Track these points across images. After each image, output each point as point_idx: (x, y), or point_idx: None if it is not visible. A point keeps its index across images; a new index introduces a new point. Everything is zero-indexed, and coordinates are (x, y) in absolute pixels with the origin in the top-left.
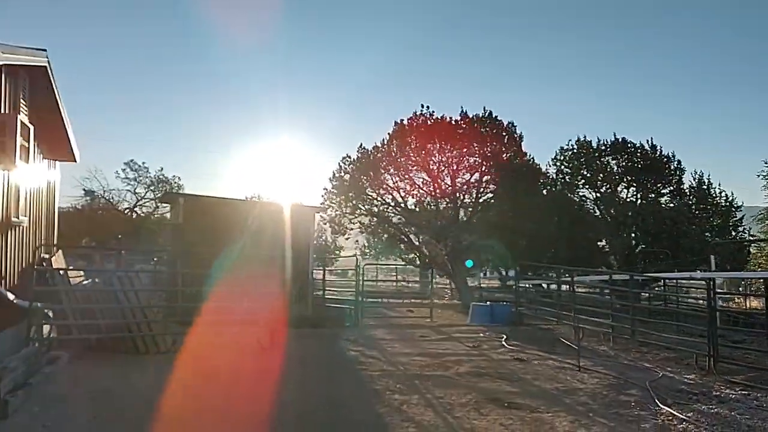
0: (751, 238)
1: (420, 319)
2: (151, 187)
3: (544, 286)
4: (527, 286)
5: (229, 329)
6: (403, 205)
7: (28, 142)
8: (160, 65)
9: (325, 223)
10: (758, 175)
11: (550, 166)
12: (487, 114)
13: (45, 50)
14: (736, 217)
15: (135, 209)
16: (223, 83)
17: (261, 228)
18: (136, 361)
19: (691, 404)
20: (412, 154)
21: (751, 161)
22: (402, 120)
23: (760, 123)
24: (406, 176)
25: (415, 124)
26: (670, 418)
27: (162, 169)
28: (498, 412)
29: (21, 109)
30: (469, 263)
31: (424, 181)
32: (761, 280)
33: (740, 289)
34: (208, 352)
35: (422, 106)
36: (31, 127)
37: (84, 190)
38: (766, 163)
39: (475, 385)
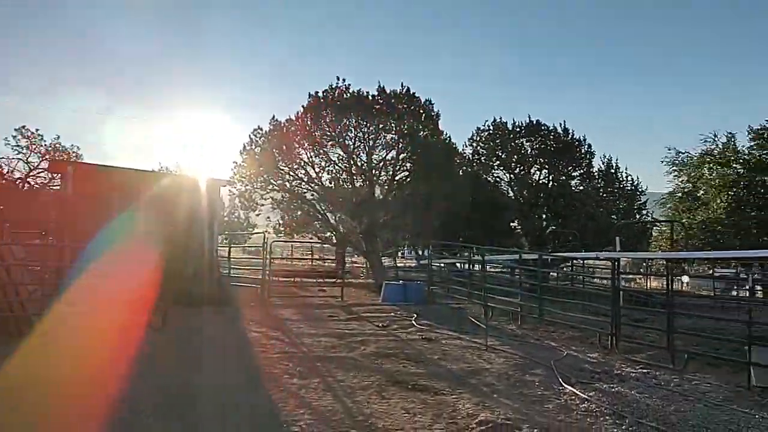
0: (653, 220)
1: (331, 299)
2: (47, 157)
3: (458, 265)
4: (441, 265)
5: (114, 308)
6: (317, 181)
7: None
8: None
9: (235, 198)
10: (662, 161)
11: (466, 146)
12: (404, 90)
13: None
14: (640, 200)
15: (28, 180)
16: (138, 50)
17: (159, 200)
18: None
19: (594, 383)
20: (327, 129)
21: (655, 148)
22: (317, 92)
23: (666, 111)
24: (321, 151)
25: (330, 97)
26: (573, 397)
27: (59, 137)
28: (401, 395)
29: None
30: None
31: (340, 157)
32: (662, 261)
33: (641, 270)
34: (83, 334)
35: (338, 78)
36: None
37: None
38: (669, 149)
39: (380, 366)
